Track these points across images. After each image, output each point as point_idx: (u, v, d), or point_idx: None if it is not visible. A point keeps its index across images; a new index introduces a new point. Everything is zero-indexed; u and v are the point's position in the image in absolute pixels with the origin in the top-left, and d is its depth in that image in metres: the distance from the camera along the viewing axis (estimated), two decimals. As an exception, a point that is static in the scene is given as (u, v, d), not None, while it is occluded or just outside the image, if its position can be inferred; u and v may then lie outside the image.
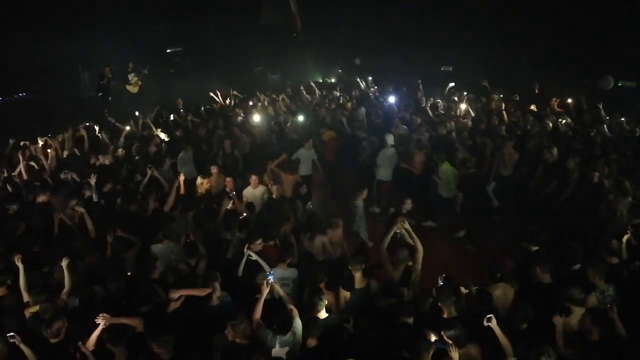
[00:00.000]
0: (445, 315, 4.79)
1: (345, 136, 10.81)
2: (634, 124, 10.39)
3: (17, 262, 5.27)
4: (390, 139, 9.54)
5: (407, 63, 16.01)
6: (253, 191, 8.00)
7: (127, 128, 10.83)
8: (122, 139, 10.23)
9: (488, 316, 4.38)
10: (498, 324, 4.39)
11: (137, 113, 11.86)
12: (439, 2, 15.52)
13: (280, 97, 13.87)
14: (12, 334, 4.42)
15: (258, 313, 4.78)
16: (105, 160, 9.07)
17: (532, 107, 11.46)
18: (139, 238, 6.42)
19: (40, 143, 9.80)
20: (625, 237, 5.78)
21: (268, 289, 4.85)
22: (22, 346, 4.45)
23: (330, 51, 18.19)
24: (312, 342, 4.49)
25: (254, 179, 8.03)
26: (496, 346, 4.40)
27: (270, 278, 4.89)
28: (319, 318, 4.65)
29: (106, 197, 7.71)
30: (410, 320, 4.70)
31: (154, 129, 11.16)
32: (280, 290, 4.94)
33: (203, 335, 4.76)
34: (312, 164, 9.57)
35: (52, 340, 4.56)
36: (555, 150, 8.54)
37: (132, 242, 6.37)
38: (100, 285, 5.45)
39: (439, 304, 4.86)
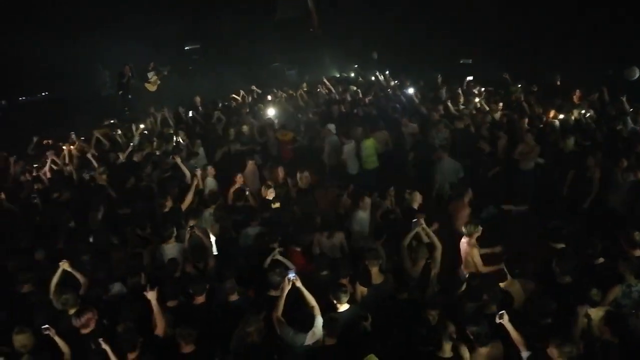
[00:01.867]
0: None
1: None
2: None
3: (64, 266, 5.37)
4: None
5: (426, 56, 15.82)
6: None
7: (142, 126, 10.90)
8: (136, 137, 10.34)
9: (500, 313, 4.34)
10: (517, 317, 4.35)
11: (166, 109, 11.94)
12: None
13: (299, 93, 13.87)
14: (46, 326, 4.54)
15: (279, 310, 4.78)
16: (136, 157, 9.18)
17: (559, 116, 11.00)
18: (156, 235, 6.50)
19: (68, 145, 9.99)
20: None
21: (289, 286, 4.85)
22: (56, 338, 4.58)
23: (347, 46, 18.08)
24: (330, 341, 4.47)
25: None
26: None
27: (291, 275, 4.89)
28: (338, 318, 4.61)
29: (127, 194, 7.84)
30: (435, 313, 4.69)
31: (172, 126, 11.25)
32: (302, 288, 4.93)
33: (223, 330, 4.80)
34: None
35: (83, 331, 4.68)
36: (571, 140, 8.47)
37: (148, 239, 6.46)
38: (120, 282, 5.56)
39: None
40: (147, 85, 15.67)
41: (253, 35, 17.47)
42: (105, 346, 4.34)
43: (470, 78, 13.29)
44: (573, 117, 10.06)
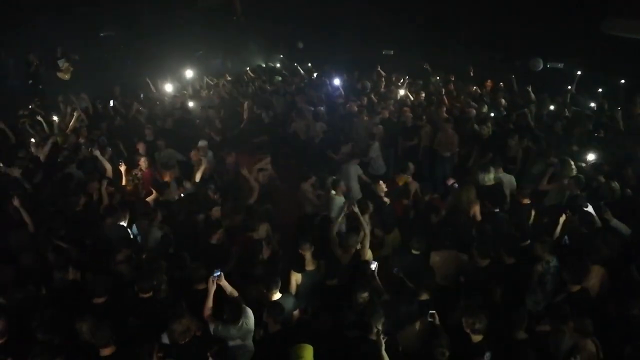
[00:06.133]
0: None
1: None
2: (561, 105, 10.91)
3: None
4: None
5: (349, 47, 16.07)
6: None
7: (55, 118, 10.19)
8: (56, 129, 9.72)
9: (431, 312, 4.57)
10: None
11: (84, 99, 11.14)
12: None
13: (221, 83, 13.53)
14: None
15: (208, 310, 4.77)
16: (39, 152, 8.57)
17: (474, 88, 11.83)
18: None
19: None
20: (562, 218, 6.10)
21: (214, 287, 4.81)
22: None
23: (273, 35, 17.94)
24: (274, 327, 4.52)
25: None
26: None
27: (217, 274, 4.83)
28: (281, 303, 4.69)
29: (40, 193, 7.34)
30: (366, 295, 4.84)
31: (84, 119, 10.60)
32: (226, 284, 4.92)
33: (152, 330, 4.66)
34: None
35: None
36: (489, 124, 9.09)
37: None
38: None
39: None
40: (59, 74, 14.59)
41: (173, 23, 16.74)
42: None
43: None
44: (486, 107, 10.68)
